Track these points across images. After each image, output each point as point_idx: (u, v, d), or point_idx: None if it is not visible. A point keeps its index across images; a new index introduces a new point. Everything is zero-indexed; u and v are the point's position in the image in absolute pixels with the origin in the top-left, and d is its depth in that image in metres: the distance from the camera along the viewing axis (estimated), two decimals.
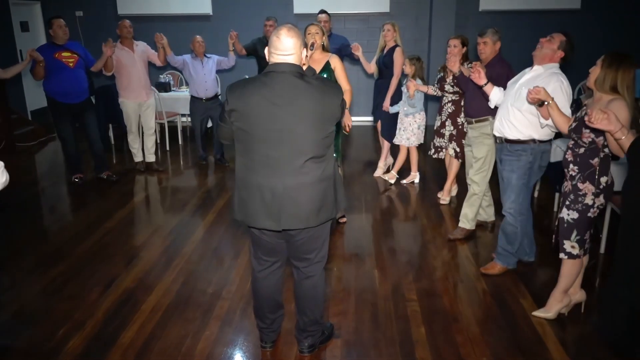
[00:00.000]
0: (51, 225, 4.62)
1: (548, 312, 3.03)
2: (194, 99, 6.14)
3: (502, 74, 3.73)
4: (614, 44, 7.81)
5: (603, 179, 2.75)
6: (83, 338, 2.88)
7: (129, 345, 2.81)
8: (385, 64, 5.43)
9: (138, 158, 6.11)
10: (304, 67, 2.38)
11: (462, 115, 4.61)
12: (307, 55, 2.38)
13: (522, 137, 3.30)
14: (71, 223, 4.59)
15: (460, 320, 3.03)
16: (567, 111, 3.05)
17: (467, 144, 4.32)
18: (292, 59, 2.27)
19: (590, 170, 2.75)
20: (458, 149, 4.78)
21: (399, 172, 5.61)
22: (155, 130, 6.20)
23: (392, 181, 5.54)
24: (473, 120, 4.04)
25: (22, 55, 8.12)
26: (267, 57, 2.35)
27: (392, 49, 5.36)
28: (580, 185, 2.78)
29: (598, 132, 2.62)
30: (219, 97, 6.30)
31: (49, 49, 5.20)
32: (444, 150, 4.92)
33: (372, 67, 5.66)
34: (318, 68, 3.85)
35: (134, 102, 5.78)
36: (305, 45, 2.40)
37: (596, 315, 3.06)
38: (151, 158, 6.16)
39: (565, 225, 2.85)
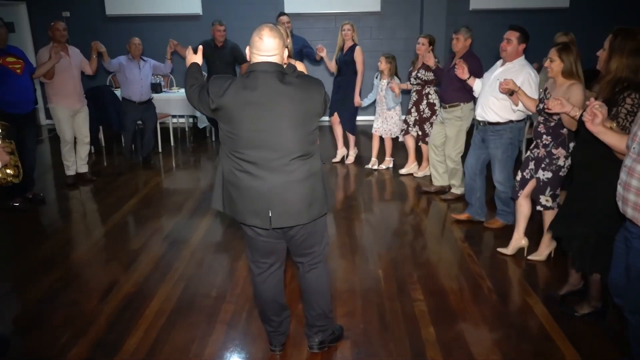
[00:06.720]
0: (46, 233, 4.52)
1: (541, 255, 3.69)
2: (126, 102, 5.98)
3: (475, 66, 4.28)
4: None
5: (571, 145, 3.32)
6: (86, 345, 2.82)
7: (134, 351, 2.76)
8: (346, 62, 5.74)
9: (71, 171, 5.59)
10: (284, 66, 2.36)
11: (424, 102, 5.26)
12: (288, 55, 2.36)
13: (501, 120, 3.90)
14: (64, 228, 4.51)
15: (467, 319, 3.03)
16: (535, 95, 3.61)
17: (439, 123, 4.89)
18: (274, 60, 2.25)
19: (561, 139, 3.34)
20: (420, 133, 5.38)
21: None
22: (89, 139, 5.68)
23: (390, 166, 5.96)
24: (447, 105, 4.69)
25: None
26: (247, 56, 2.32)
27: (352, 48, 5.69)
28: (554, 150, 3.38)
29: None
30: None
31: None
32: (410, 133, 5.50)
33: (333, 66, 5.95)
34: None
35: (68, 109, 5.34)
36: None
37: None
38: (84, 168, 5.71)
39: (541, 183, 3.44)
